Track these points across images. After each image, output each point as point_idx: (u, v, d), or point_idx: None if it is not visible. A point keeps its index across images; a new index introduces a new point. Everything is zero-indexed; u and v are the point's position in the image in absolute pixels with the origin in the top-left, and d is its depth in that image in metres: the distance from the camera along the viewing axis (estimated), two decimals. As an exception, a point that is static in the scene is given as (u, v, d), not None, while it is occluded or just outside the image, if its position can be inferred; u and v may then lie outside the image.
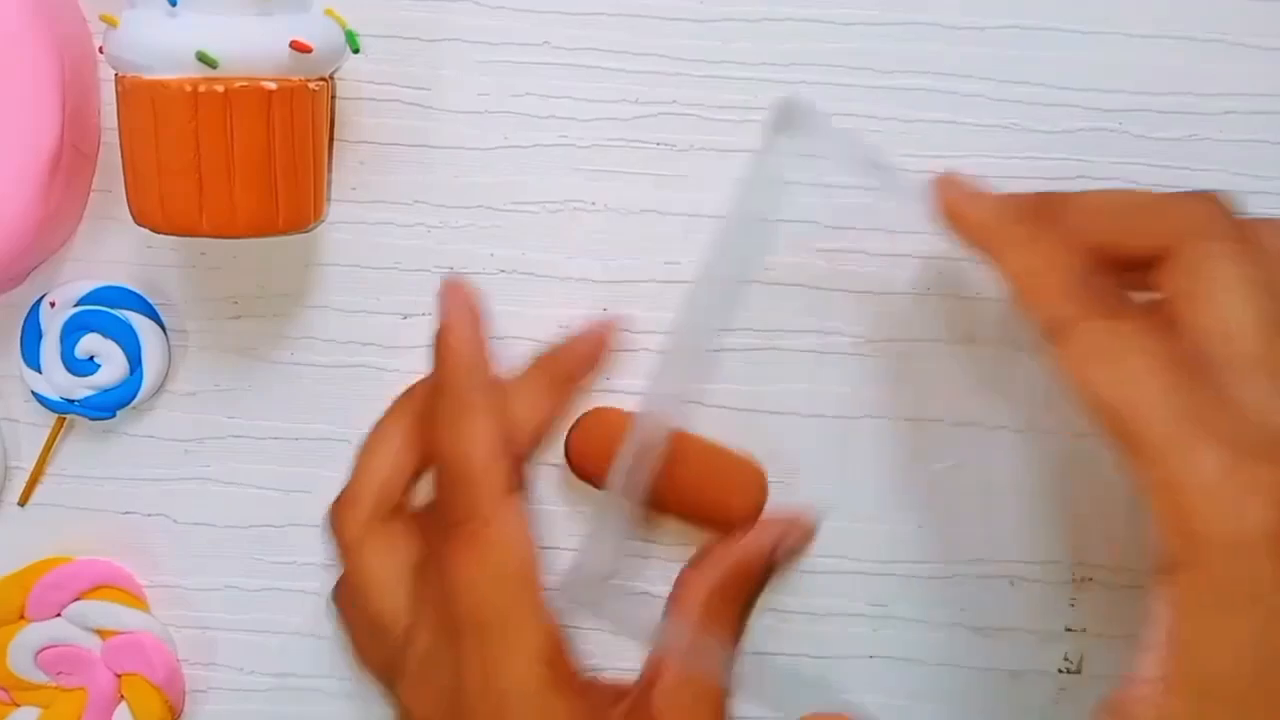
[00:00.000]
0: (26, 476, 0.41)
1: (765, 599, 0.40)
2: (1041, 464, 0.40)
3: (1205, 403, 0.27)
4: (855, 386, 0.40)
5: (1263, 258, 0.29)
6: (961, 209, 0.33)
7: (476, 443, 0.35)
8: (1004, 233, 0.32)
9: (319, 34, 0.36)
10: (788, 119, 0.35)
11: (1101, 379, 0.28)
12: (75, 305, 0.40)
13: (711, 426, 0.40)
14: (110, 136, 0.39)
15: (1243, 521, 0.25)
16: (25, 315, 0.40)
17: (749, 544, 0.38)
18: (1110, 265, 0.30)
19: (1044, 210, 0.32)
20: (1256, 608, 0.25)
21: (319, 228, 0.40)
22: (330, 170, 0.40)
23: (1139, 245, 0.30)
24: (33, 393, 0.40)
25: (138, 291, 0.40)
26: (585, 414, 0.39)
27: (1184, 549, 0.26)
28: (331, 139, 0.39)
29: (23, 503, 0.42)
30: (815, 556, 0.40)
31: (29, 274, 0.40)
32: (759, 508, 0.39)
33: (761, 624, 0.40)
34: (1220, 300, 0.28)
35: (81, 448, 0.41)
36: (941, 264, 0.39)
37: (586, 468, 0.39)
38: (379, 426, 0.39)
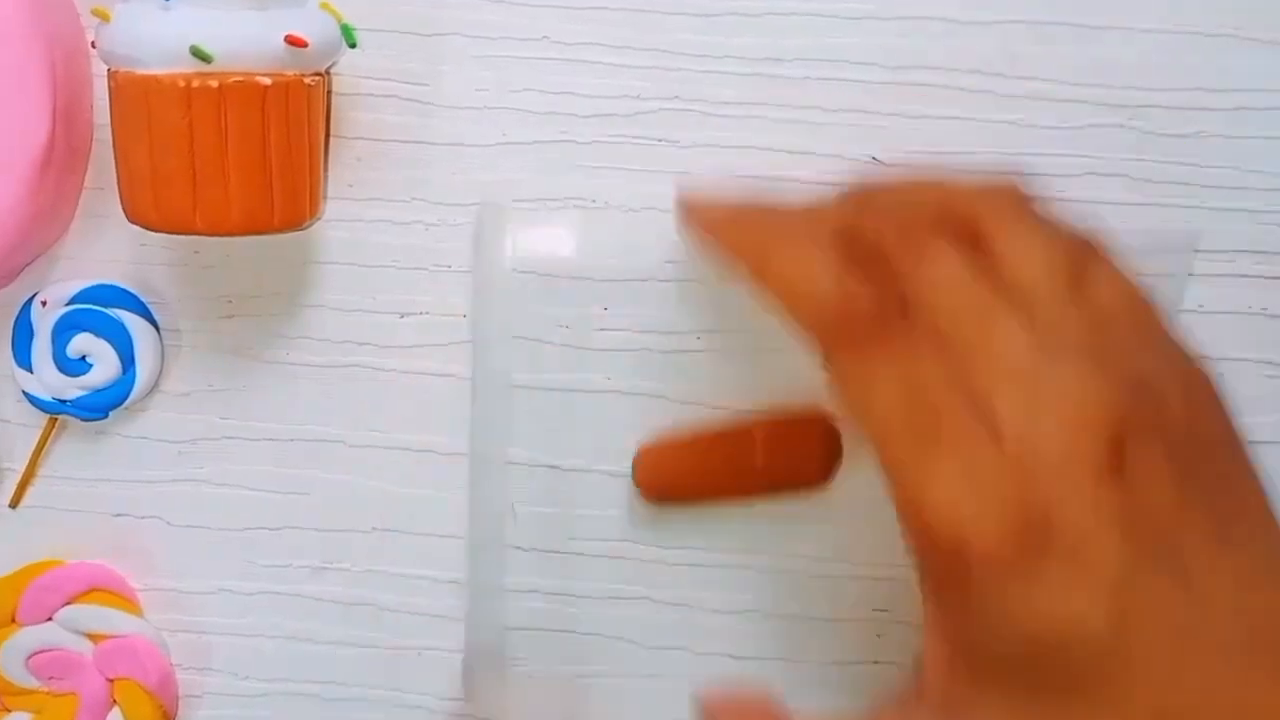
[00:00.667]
0: (17, 478, 0.41)
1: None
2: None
3: (944, 424, 0.28)
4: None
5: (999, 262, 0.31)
6: (714, 222, 0.34)
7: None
8: (755, 243, 0.32)
9: (315, 28, 0.36)
10: (493, 224, 0.37)
11: (854, 408, 0.30)
12: (67, 304, 0.40)
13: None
14: (103, 133, 0.39)
15: (970, 536, 0.28)
16: (16, 314, 0.40)
17: None
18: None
19: (797, 213, 0.33)
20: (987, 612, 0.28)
21: (315, 225, 0.39)
22: (326, 167, 0.39)
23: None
24: (24, 393, 0.40)
25: (131, 290, 0.40)
26: (650, 444, 0.39)
27: (924, 558, 0.29)
28: (327, 135, 0.39)
29: (14, 505, 0.41)
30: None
31: (20, 272, 0.40)
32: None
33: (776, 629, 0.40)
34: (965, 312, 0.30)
35: (73, 449, 0.41)
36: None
37: (656, 491, 0.40)
38: None
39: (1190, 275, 0.39)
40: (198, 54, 0.34)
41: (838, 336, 0.30)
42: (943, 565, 0.28)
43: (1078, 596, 0.27)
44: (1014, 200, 0.32)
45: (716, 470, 0.40)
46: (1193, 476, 0.29)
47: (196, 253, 0.41)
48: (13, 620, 0.41)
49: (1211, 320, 0.40)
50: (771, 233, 0.32)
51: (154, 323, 0.41)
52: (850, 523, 0.40)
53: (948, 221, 0.31)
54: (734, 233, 0.34)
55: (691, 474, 0.40)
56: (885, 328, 0.30)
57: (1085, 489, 0.27)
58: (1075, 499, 0.27)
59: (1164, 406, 0.29)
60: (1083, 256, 0.31)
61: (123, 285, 0.40)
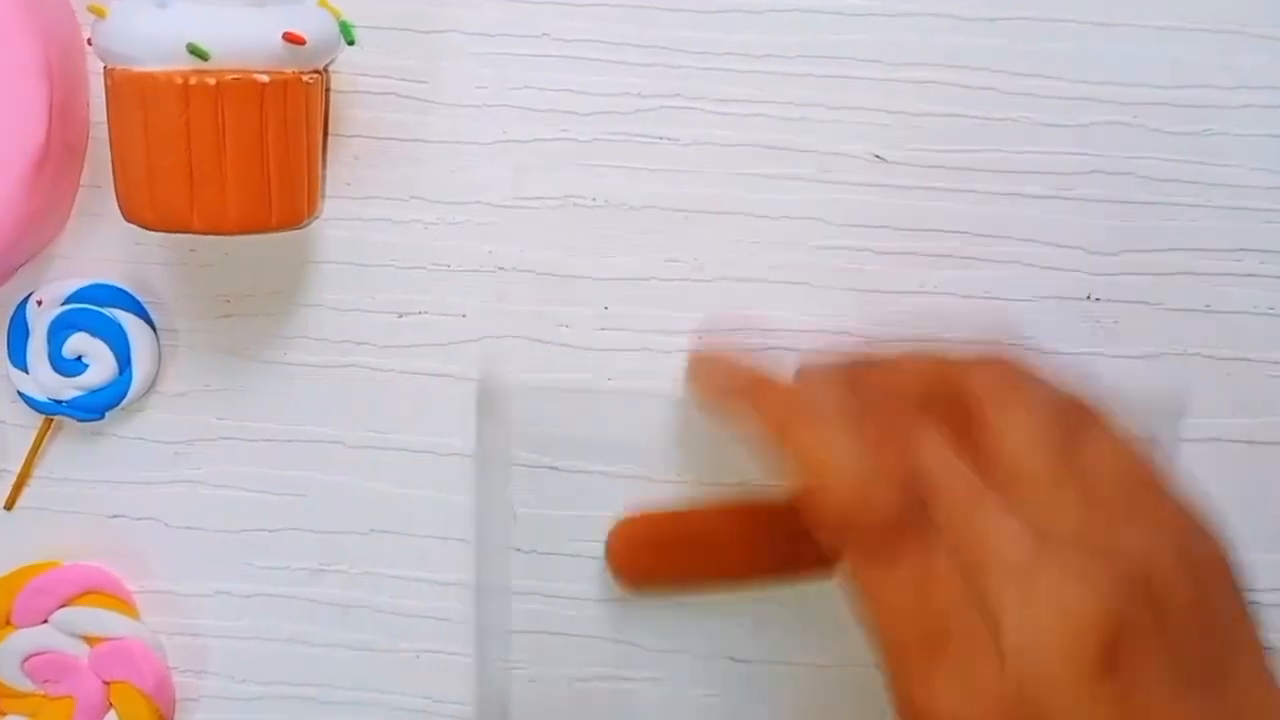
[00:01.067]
0: (13, 479, 0.41)
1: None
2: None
3: (950, 630, 0.29)
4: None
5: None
6: (729, 390, 0.35)
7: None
8: (775, 419, 0.32)
9: (313, 25, 0.36)
10: (490, 400, 0.37)
11: (865, 609, 0.30)
12: (63, 304, 0.40)
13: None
14: (99, 131, 0.39)
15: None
16: (11, 314, 0.40)
17: None
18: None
19: (832, 379, 0.34)
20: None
21: (313, 224, 0.39)
22: (324, 165, 0.39)
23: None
24: (19, 393, 0.40)
25: (127, 289, 0.40)
26: (623, 522, 0.39)
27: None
28: (326, 133, 0.39)
29: (9, 506, 0.41)
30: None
31: (15, 271, 0.40)
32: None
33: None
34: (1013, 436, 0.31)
35: (69, 449, 0.41)
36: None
37: (628, 575, 0.39)
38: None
39: (1180, 441, 0.39)
40: (195, 51, 0.34)
41: (857, 540, 0.30)
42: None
43: None
44: (1003, 374, 0.33)
45: (713, 548, 0.38)
46: (1188, 668, 0.29)
47: (193, 252, 0.40)
48: (8, 623, 0.41)
49: (1218, 320, 0.40)
50: (788, 410, 0.32)
51: (150, 322, 0.40)
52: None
53: (936, 401, 0.32)
54: (752, 404, 0.34)
55: (681, 553, 0.38)
56: (901, 529, 0.30)
57: (1078, 698, 0.28)
58: (1067, 709, 0.28)
59: (1162, 594, 0.29)
60: (1076, 425, 0.32)
61: (119, 285, 0.40)
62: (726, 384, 0.35)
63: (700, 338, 0.39)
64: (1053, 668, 0.28)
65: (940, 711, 0.29)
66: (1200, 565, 0.31)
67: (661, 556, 0.39)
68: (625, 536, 0.39)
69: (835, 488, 0.31)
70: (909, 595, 0.30)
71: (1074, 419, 0.33)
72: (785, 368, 0.39)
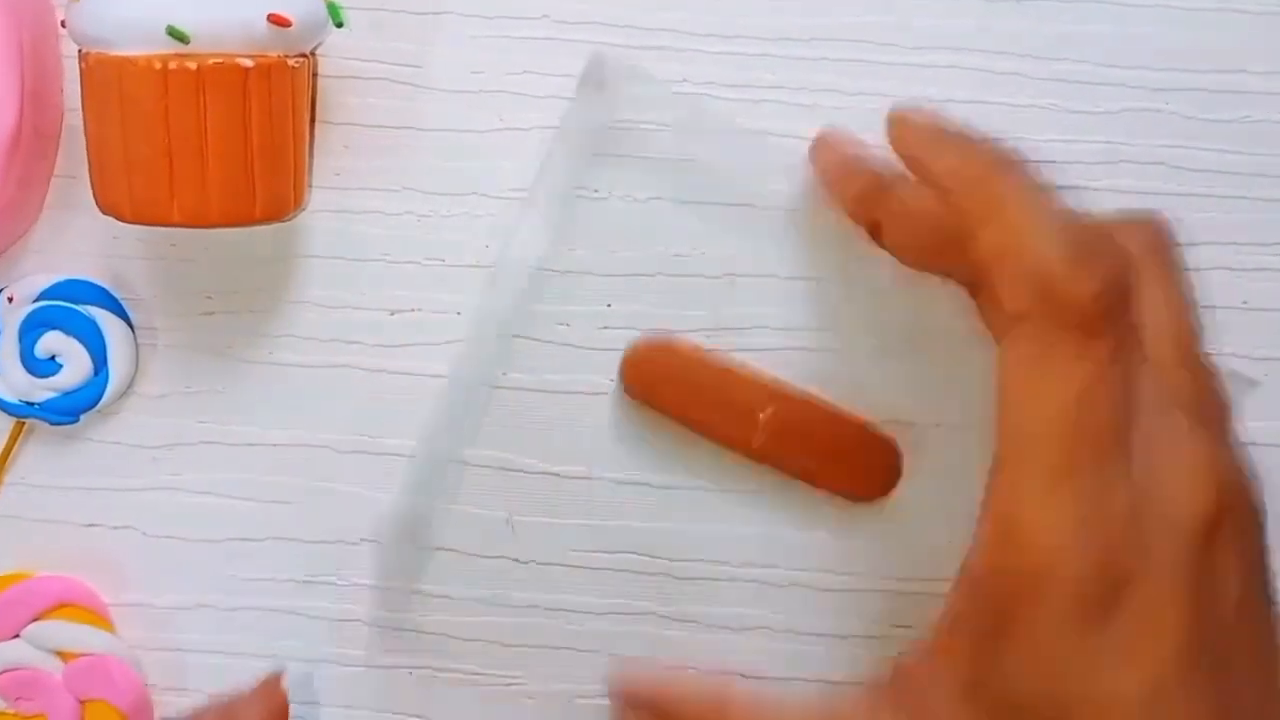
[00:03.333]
0: (-18, 486, 0.41)
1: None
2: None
3: (1090, 452, 0.29)
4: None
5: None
6: (915, 133, 0.33)
7: None
8: (981, 176, 0.31)
9: (299, 7, 0.35)
10: (599, 76, 0.36)
11: (1015, 396, 0.29)
12: (35, 300, 0.40)
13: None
14: (73, 118, 0.39)
15: (1058, 565, 0.28)
16: (-19, 311, 0.40)
17: None
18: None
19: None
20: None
21: (299, 216, 0.39)
22: (311, 154, 0.39)
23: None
24: (-11, 395, 0.40)
25: (103, 285, 0.40)
26: (642, 343, 0.39)
27: (995, 576, 0.29)
28: (313, 120, 0.39)
29: (-22, 514, 0.41)
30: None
31: (-15, 267, 0.40)
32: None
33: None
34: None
35: (42, 454, 0.41)
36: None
37: (640, 393, 0.39)
38: None
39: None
40: (174, 34, 0.34)
41: (1045, 315, 0.29)
42: (1011, 588, 0.29)
43: (1125, 676, 0.28)
44: (1157, 239, 0.32)
45: (712, 407, 0.39)
46: (1253, 584, 0.29)
47: (173, 245, 0.40)
48: (-23, 637, 0.41)
49: (1256, 317, 0.40)
50: (997, 166, 0.31)
51: (128, 320, 0.40)
52: (880, 538, 0.40)
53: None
54: (951, 152, 0.32)
55: (682, 393, 0.39)
56: (1094, 321, 0.29)
57: (1176, 563, 0.28)
58: (1163, 570, 0.28)
59: (1249, 502, 0.30)
60: (1200, 331, 0.32)
61: (95, 280, 0.40)
62: (915, 125, 0.34)
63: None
64: (1167, 525, 0.28)
65: (1053, 521, 0.28)
66: (1260, 510, 0.31)
67: (673, 388, 0.39)
68: (646, 354, 0.39)
69: (1047, 247, 0.29)
70: (1087, 384, 0.28)
71: (1200, 327, 0.32)
72: (798, 368, 0.39)
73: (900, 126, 0.34)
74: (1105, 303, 0.29)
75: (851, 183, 0.35)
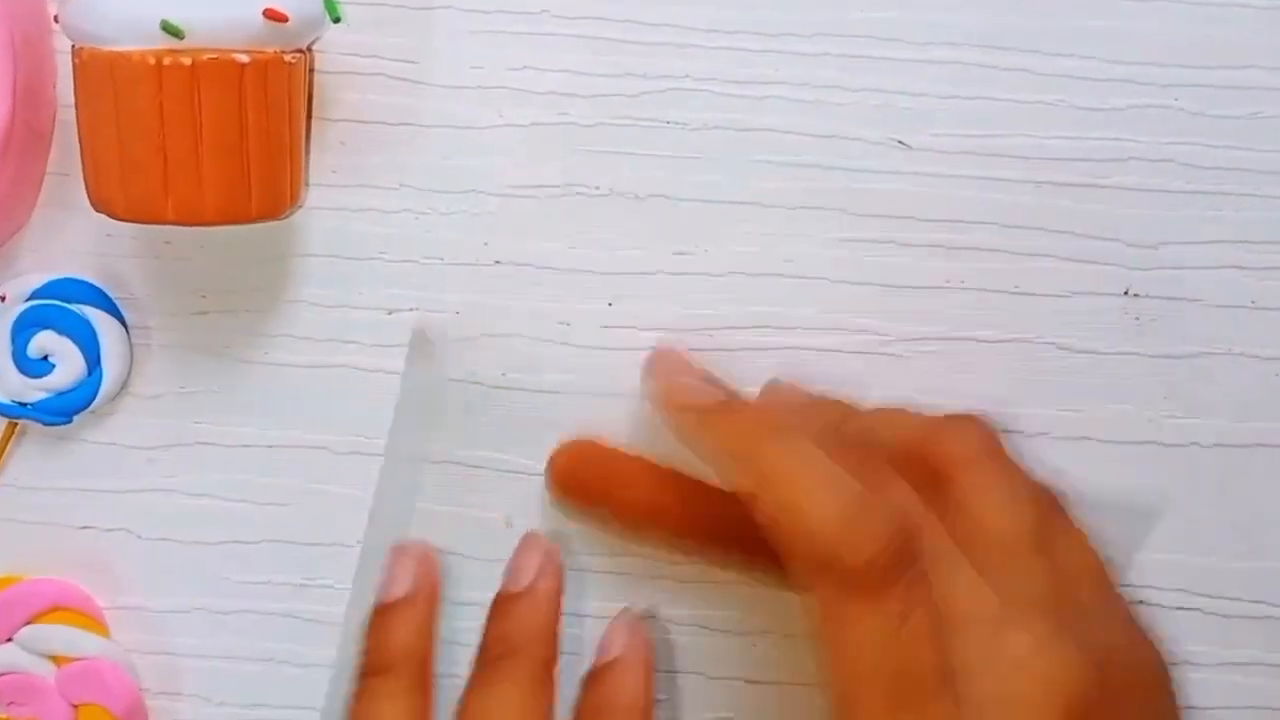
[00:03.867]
0: (-26, 488, 0.41)
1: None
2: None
3: (911, 687, 0.29)
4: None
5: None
6: (696, 408, 0.34)
7: None
8: (747, 442, 0.32)
9: (295, 1, 0.35)
10: (421, 348, 0.38)
11: (830, 651, 0.30)
12: (28, 300, 0.40)
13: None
14: (66, 114, 0.39)
15: None
16: (-27, 311, 0.40)
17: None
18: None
19: (809, 412, 0.35)
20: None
21: (295, 214, 0.39)
22: (308, 152, 0.39)
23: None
24: (-19, 396, 0.40)
25: (96, 284, 0.40)
26: (570, 444, 0.39)
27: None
28: (310, 117, 0.39)
29: (-30, 516, 0.41)
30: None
31: (-23, 265, 0.40)
32: None
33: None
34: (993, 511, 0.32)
35: (35, 456, 0.41)
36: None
37: (569, 494, 0.39)
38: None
39: (1139, 547, 0.40)
40: (169, 29, 0.34)
41: (835, 577, 0.29)
42: None
43: None
44: (984, 440, 0.33)
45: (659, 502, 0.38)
46: None
47: (168, 244, 0.40)
48: (-31, 641, 0.41)
49: (1265, 317, 0.40)
50: (760, 429, 0.32)
51: (122, 319, 0.40)
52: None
53: (909, 458, 0.32)
54: (718, 419, 0.33)
55: (622, 489, 0.38)
56: (882, 572, 0.29)
57: None
58: None
59: (1119, 691, 0.30)
60: (1049, 512, 0.33)
61: (88, 279, 0.40)
62: (688, 394, 0.35)
63: (664, 339, 0.39)
64: None
65: None
66: (1150, 673, 0.32)
67: (601, 482, 0.38)
68: (573, 453, 0.39)
69: (817, 518, 0.30)
70: (877, 641, 0.29)
71: (1048, 507, 0.34)
72: (802, 368, 0.39)
73: (660, 370, 0.37)
74: (884, 562, 0.29)
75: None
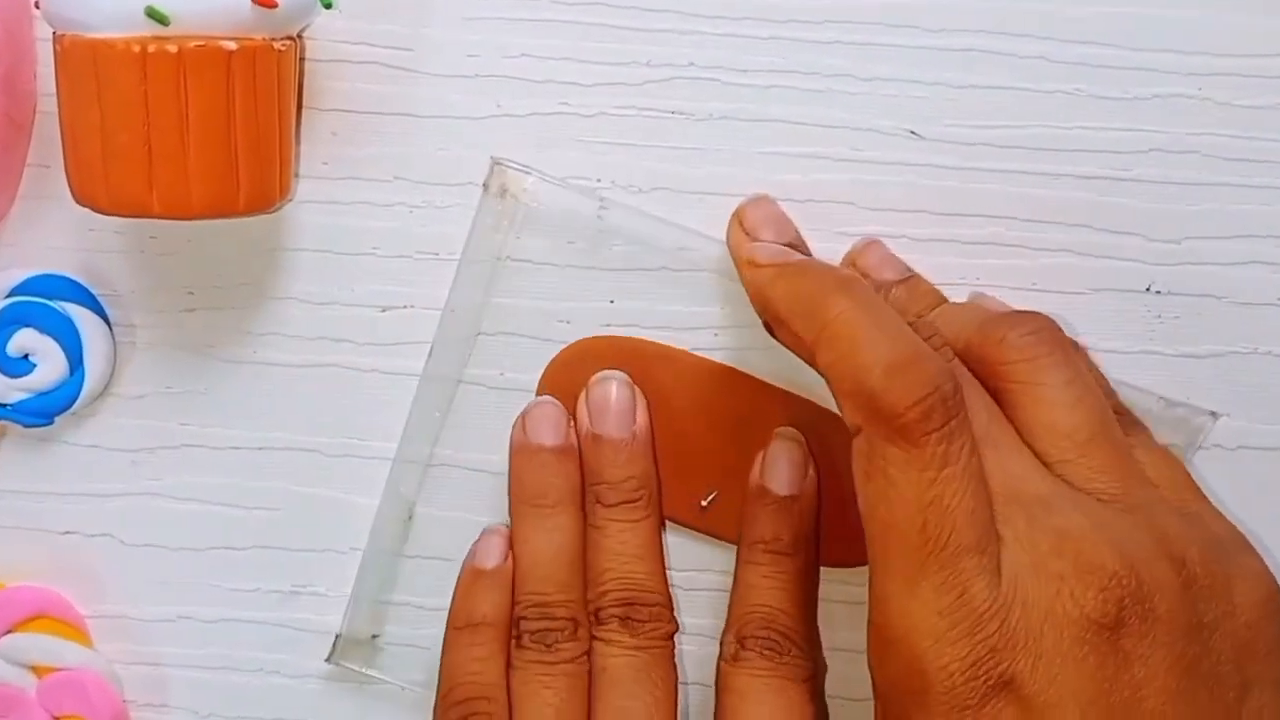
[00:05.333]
0: (-48, 491, 0.41)
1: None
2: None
3: (950, 546, 0.30)
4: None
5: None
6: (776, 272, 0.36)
7: None
8: (839, 292, 0.33)
9: (286, -14, 0.35)
10: (500, 180, 0.38)
11: (874, 501, 0.31)
12: (7, 296, 0.40)
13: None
14: (48, 104, 0.39)
15: (931, 671, 0.30)
16: (-50, 308, 0.40)
17: None
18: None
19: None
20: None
21: (285, 208, 0.39)
22: (298, 142, 0.39)
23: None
24: (-41, 396, 0.40)
25: (79, 281, 0.40)
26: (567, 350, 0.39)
27: (884, 683, 0.31)
28: (300, 106, 0.39)
29: (-52, 521, 0.41)
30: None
31: (-46, 261, 0.40)
32: None
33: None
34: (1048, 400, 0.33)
35: (15, 458, 0.41)
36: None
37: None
38: None
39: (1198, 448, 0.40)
40: (153, 15, 0.33)
41: (888, 415, 0.31)
42: (901, 700, 0.30)
43: None
44: (1053, 335, 0.34)
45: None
46: (1200, 678, 0.30)
47: (153, 238, 0.40)
48: (-53, 650, 0.40)
49: (1292, 312, 0.40)
50: (836, 287, 0.33)
51: (105, 317, 0.40)
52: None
53: (973, 349, 0.34)
54: (794, 278, 0.35)
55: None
56: (941, 418, 0.30)
57: (1072, 639, 0.29)
58: (1046, 663, 0.29)
59: (1195, 593, 0.30)
60: (1123, 416, 0.34)
61: (70, 275, 0.40)
62: (765, 250, 0.37)
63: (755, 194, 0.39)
64: (1053, 603, 0.29)
65: (916, 620, 0.30)
66: (1243, 582, 0.32)
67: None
68: (569, 353, 0.40)
69: (870, 358, 0.31)
70: (912, 487, 0.30)
71: (1121, 409, 0.35)
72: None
73: (737, 240, 0.38)
74: (924, 409, 0.30)
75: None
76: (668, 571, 0.39)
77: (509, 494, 0.39)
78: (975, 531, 0.30)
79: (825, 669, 0.38)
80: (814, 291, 0.33)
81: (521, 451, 0.38)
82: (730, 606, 0.38)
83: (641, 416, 0.38)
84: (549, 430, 0.38)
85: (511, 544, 0.38)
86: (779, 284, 0.35)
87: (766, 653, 0.37)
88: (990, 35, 0.39)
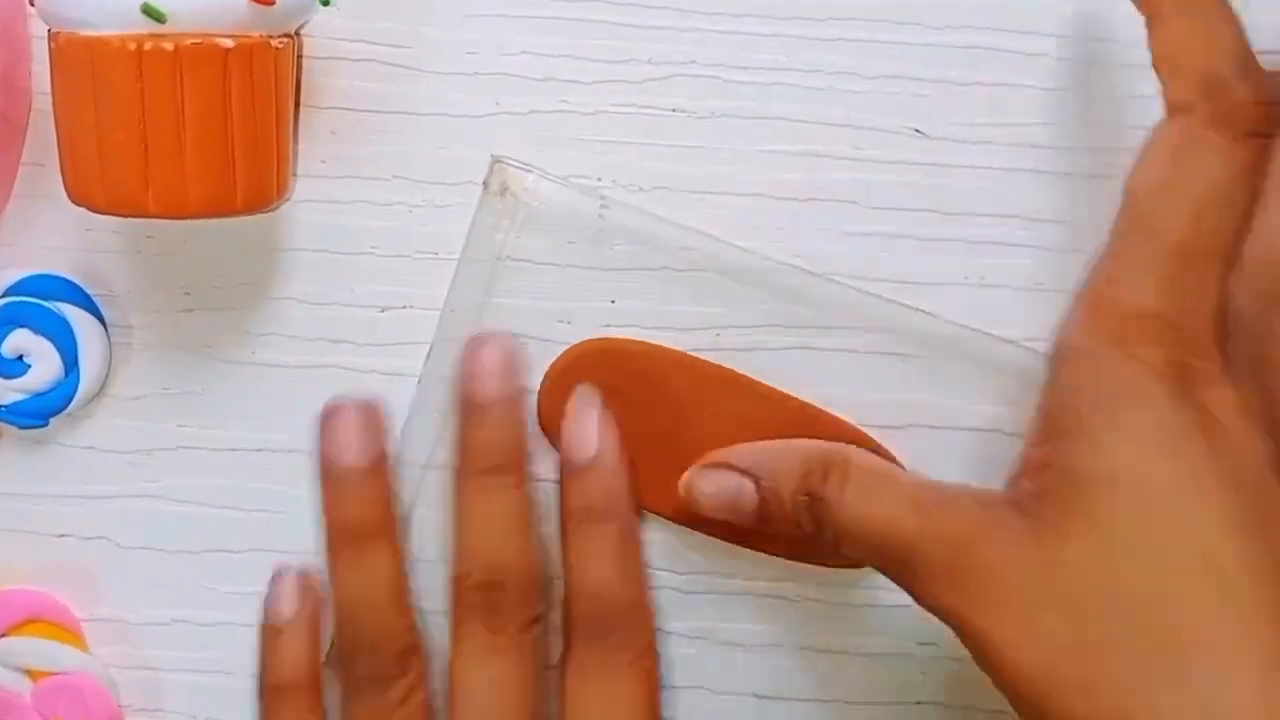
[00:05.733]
0: (-53, 494, 0.41)
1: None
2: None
3: None
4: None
5: None
6: None
7: None
8: None
9: (283, -17, 0.35)
10: (500, 179, 0.38)
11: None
12: (2, 296, 0.40)
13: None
14: (42, 102, 0.39)
15: None
16: (-55, 308, 0.40)
17: None
18: None
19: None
20: None
21: (283, 207, 0.39)
22: (296, 141, 0.39)
23: None
24: (-47, 397, 0.40)
25: (74, 280, 0.40)
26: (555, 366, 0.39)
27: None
28: (298, 105, 0.39)
29: (-58, 524, 0.41)
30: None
31: (-51, 261, 0.40)
32: None
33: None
34: None
35: (10, 460, 0.41)
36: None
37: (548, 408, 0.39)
38: None
39: None
40: (149, 12, 0.33)
41: (1208, 111, 0.32)
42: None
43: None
44: None
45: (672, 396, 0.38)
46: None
47: (149, 238, 0.40)
48: (-59, 655, 0.40)
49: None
50: None
51: (101, 318, 0.40)
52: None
53: None
54: None
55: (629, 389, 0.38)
56: (1240, 119, 0.33)
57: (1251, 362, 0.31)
58: (1239, 377, 0.31)
59: None
60: None
61: (65, 275, 0.40)
62: None
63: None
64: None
65: (1135, 298, 0.32)
66: None
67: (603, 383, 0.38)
68: (567, 361, 0.39)
69: (1220, 54, 0.33)
70: (1197, 191, 0.32)
71: None
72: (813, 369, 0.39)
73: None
74: (1261, 112, 0.32)
75: None
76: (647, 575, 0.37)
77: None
78: (1230, 237, 0.31)
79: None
80: None
81: (328, 476, 0.36)
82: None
83: (520, 384, 0.36)
84: (355, 443, 0.36)
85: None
86: None
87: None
88: (995, 32, 0.39)
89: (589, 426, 0.36)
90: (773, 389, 0.39)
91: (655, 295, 0.39)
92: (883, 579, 0.37)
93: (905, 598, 0.40)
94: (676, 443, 0.39)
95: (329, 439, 0.36)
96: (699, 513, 0.37)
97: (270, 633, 0.37)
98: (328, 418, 0.36)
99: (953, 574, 0.32)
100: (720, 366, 0.39)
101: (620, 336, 0.39)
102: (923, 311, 0.39)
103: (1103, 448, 0.31)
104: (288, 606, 0.37)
